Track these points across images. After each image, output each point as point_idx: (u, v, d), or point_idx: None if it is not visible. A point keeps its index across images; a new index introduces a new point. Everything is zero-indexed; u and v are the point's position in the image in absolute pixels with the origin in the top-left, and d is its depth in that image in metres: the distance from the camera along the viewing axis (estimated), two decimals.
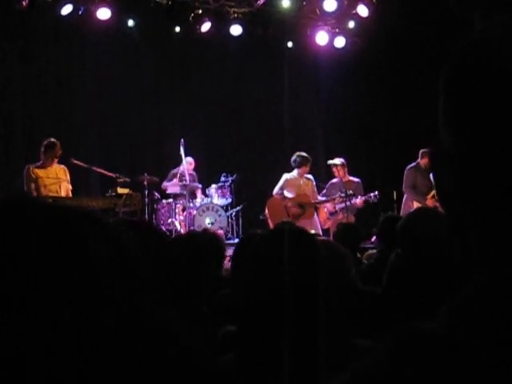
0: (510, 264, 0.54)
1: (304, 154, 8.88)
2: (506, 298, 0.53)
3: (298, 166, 8.82)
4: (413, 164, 8.70)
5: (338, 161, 9.02)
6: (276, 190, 8.89)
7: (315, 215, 8.94)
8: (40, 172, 7.62)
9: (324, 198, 9.01)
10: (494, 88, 0.54)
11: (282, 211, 8.72)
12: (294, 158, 8.87)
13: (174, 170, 9.48)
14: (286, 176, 8.91)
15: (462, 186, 0.58)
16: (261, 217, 9.10)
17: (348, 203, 8.54)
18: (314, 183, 9.03)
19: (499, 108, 0.53)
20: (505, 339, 0.51)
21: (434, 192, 8.24)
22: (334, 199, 8.82)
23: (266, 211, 8.89)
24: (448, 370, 0.51)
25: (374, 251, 5.58)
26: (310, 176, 9.01)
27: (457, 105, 0.58)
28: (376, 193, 8.58)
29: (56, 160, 7.68)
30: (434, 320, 0.54)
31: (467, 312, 0.54)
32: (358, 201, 8.61)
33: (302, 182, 8.89)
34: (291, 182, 8.87)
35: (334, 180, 9.12)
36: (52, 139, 7.67)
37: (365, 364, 0.56)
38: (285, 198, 8.79)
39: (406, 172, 8.72)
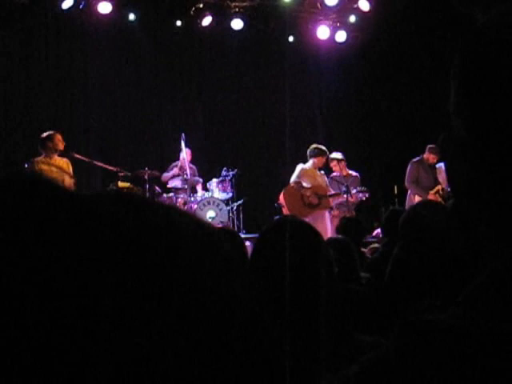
0: None
1: (322, 146, 8.78)
2: None
3: (315, 156, 8.66)
4: (417, 158, 8.55)
5: (339, 155, 8.99)
6: (293, 178, 8.70)
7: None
8: (44, 165, 7.60)
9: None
10: (506, 72, 0.53)
11: (298, 200, 8.58)
12: (310, 148, 8.76)
13: (174, 164, 9.47)
14: (301, 166, 8.75)
15: (473, 175, 0.57)
16: (275, 205, 9.02)
17: (347, 199, 8.51)
18: (326, 179, 8.92)
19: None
20: None
21: (437, 187, 8.18)
22: (338, 194, 8.74)
23: (282, 199, 8.76)
24: (457, 363, 0.50)
25: (377, 245, 5.57)
26: (321, 171, 8.91)
27: (470, 89, 0.57)
28: (366, 194, 8.52)
29: (57, 153, 7.66)
30: (445, 311, 0.53)
31: (479, 303, 0.53)
32: (353, 196, 8.55)
33: (317, 173, 8.78)
34: (306, 173, 8.70)
35: (334, 174, 9.08)
36: (50, 131, 7.65)
37: (369, 358, 0.55)
38: (302, 186, 8.62)
39: (409, 166, 8.57)
